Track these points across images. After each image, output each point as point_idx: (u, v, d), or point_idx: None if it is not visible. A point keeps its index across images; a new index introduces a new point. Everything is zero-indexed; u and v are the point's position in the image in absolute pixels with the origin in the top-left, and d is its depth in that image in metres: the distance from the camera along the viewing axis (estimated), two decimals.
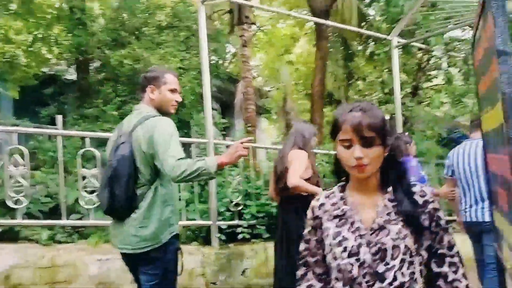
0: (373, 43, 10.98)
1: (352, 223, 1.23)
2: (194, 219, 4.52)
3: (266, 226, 4.74)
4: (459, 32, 6.98)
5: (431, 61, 7.56)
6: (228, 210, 4.67)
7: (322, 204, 1.32)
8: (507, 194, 1.67)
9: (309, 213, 1.35)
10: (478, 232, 3.44)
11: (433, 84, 8.55)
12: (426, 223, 1.22)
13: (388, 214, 1.21)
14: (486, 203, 3.13)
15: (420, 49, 7.12)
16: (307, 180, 3.32)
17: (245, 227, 4.63)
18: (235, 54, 15.94)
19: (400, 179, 1.27)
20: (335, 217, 1.27)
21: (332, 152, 5.64)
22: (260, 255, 4.48)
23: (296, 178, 3.23)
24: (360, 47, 12.40)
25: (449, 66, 6.60)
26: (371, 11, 10.13)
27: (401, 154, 3.90)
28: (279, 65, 18.18)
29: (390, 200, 1.23)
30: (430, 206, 1.24)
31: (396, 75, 5.92)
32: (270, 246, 4.58)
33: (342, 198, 1.29)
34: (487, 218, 3.12)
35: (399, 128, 5.91)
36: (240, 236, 4.58)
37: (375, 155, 1.18)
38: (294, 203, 3.37)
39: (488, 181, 2.78)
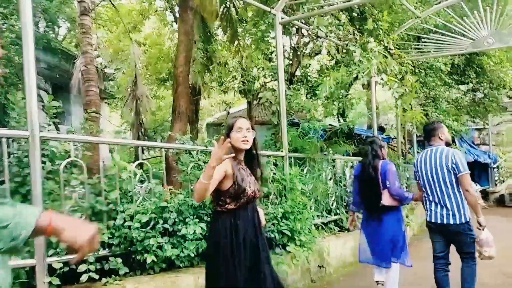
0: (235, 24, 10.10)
1: None
2: None
3: (123, 257, 3.31)
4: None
5: (309, 45, 7.00)
6: None
7: None
8: None
9: None
10: (444, 232, 3.76)
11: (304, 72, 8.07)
12: None
13: None
14: (449, 207, 3.65)
15: (298, 29, 6.42)
16: (225, 191, 2.62)
17: (91, 263, 3.12)
18: (72, 26, 13.37)
19: None
20: None
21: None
22: None
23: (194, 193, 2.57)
24: (219, 30, 11.42)
25: (328, 52, 6.04)
26: None
27: (378, 158, 4.13)
28: (126, 44, 16.12)
29: None
30: None
31: (280, 55, 5.01)
32: (130, 285, 3.19)
33: None
34: (451, 221, 3.64)
35: (284, 118, 5.03)
36: (84, 277, 3.06)
37: None
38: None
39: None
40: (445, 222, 3.68)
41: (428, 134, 3.91)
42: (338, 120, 8.59)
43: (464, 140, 14.86)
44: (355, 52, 5.56)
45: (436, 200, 3.74)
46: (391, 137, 12.06)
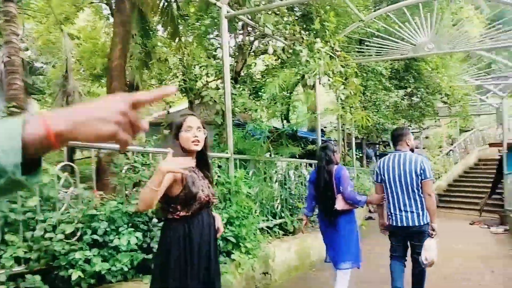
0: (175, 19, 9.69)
1: None
2: None
3: (43, 273, 2.85)
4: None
5: (255, 43, 6.73)
6: None
7: None
8: None
9: None
10: (407, 234, 3.91)
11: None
12: None
13: None
14: (413, 209, 3.81)
15: (243, 26, 6.15)
16: (175, 197, 2.31)
17: (3, 282, 2.64)
18: None
19: None
20: None
21: (151, 150, 4.06)
22: None
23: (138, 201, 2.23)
24: (159, 26, 10.92)
25: (274, 52, 5.82)
26: None
27: (332, 163, 4.13)
28: (57, 36, 14.99)
29: None
30: None
31: (225, 51, 4.73)
32: None
33: None
34: (416, 223, 3.80)
35: (229, 119, 4.76)
36: None
37: None
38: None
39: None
40: (410, 224, 3.83)
41: (396, 139, 4.02)
42: (282, 122, 8.46)
43: None
44: (302, 52, 5.42)
45: (402, 203, 3.86)
46: (331, 139, 12.23)
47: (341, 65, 5.72)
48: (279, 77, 4.79)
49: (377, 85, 8.77)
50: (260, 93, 7.49)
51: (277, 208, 5.87)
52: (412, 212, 3.82)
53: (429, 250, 3.73)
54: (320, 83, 6.92)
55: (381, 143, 13.29)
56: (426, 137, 20.87)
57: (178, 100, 14.98)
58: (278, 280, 5.13)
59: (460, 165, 18.13)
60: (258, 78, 7.83)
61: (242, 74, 6.69)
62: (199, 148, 2.40)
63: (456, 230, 9.56)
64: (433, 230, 3.77)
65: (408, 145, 3.99)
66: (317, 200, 4.34)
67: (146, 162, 3.70)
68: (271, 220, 5.62)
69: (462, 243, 7.85)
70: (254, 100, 6.80)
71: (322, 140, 7.63)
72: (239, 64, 6.36)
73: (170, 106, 14.02)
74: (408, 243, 4.01)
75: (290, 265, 5.53)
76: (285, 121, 8.91)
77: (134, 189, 3.58)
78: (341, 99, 6.18)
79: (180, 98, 13.73)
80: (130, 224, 3.34)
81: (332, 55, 5.43)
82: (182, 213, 2.33)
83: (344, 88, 5.57)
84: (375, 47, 7.48)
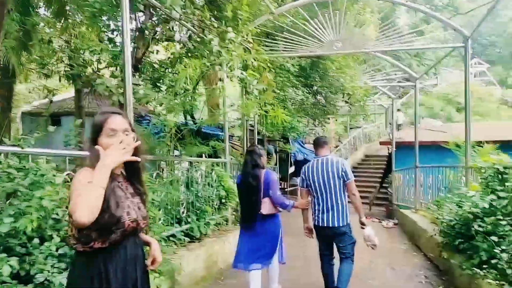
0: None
1: None
2: None
3: None
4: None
5: (159, 28, 5.94)
6: None
7: None
8: None
9: None
10: (330, 234, 4.13)
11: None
12: None
13: None
14: (335, 211, 4.05)
15: (145, 7, 5.39)
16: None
17: None
18: None
19: None
20: None
21: (30, 150, 3.21)
22: None
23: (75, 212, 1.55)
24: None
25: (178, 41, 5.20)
26: None
27: (258, 167, 4.13)
28: None
29: None
30: None
31: (126, 35, 4.02)
32: None
33: None
34: (336, 224, 4.05)
35: (130, 112, 4.07)
36: None
37: None
38: None
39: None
40: (330, 225, 4.09)
41: (321, 145, 4.31)
42: (185, 117, 7.86)
43: (296, 140, 15.77)
44: (212, 41, 4.93)
45: (325, 205, 4.10)
46: (233, 135, 11.94)
47: (254, 58, 5.36)
48: (188, 67, 4.24)
49: (285, 82, 8.68)
50: (158, 84, 6.81)
51: (183, 213, 5.30)
52: (334, 213, 4.06)
53: (371, 237, 4.23)
54: (227, 77, 6.50)
55: (281, 139, 13.38)
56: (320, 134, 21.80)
57: (63, 88, 13.32)
58: None
59: (349, 160, 19.27)
60: (157, 68, 7.14)
61: (143, 61, 5.98)
62: (126, 158, 1.76)
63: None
64: (363, 224, 4.19)
65: (329, 151, 4.35)
66: (241, 204, 4.31)
67: (24, 166, 2.88)
68: (176, 227, 5.04)
69: (359, 238, 8.08)
70: (155, 92, 6.11)
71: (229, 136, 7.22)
72: (140, 51, 5.65)
73: (53, 94, 12.39)
74: (334, 245, 4.29)
75: (198, 276, 5.03)
76: (189, 117, 8.32)
77: (8, 201, 2.76)
78: (249, 93, 5.82)
79: (65, 85, 12.19)
80: (1, 248, 2.55)
81: (247, 46, 5.04)
82: (96, 245, 1.72)
83: (257, 83, 5.22)
84: (284, 42, 7.29)
